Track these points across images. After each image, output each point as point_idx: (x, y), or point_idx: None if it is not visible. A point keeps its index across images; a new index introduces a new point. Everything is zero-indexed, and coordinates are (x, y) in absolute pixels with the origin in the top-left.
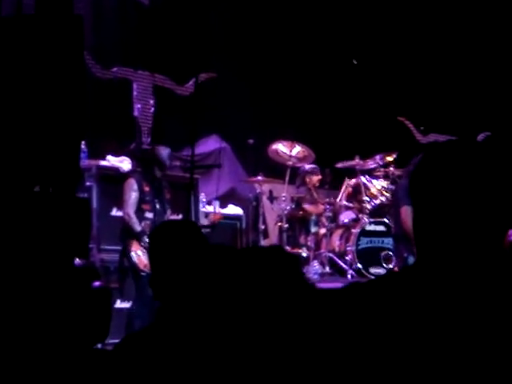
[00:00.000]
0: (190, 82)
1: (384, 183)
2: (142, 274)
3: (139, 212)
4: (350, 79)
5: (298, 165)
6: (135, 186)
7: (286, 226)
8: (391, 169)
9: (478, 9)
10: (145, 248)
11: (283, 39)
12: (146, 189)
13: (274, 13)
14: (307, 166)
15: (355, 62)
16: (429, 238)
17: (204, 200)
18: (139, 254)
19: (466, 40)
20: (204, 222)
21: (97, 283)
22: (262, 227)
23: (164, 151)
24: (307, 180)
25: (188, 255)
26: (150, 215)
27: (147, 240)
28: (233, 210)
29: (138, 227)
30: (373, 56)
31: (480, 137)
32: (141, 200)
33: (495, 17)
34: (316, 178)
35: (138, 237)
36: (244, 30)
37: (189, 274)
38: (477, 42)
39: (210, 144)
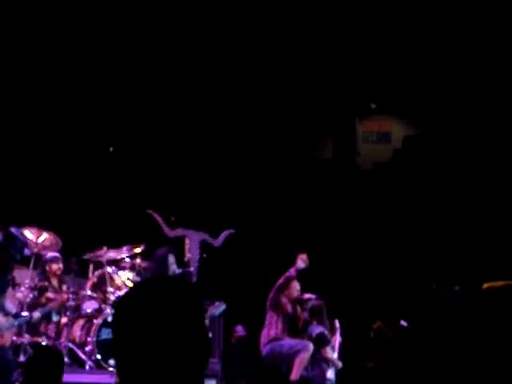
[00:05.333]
0: None
1: (130, 274)
2: None
3: None
4: (101, 169)
5: (43, 252)
6: None
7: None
8: (138, 260)
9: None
10: None
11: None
12: None
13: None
14: (48, 254)
15: (111, 150)
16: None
17: None
18: None
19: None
20: None
21: None
22: None
23: None
24: (47, 268)
25: None
26: None
27: None
28: None
29: None
30: (128, 146)
31: (224, 233)
32: None
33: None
34: (56, 267)
35: None
36: None
37: None
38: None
39: None
